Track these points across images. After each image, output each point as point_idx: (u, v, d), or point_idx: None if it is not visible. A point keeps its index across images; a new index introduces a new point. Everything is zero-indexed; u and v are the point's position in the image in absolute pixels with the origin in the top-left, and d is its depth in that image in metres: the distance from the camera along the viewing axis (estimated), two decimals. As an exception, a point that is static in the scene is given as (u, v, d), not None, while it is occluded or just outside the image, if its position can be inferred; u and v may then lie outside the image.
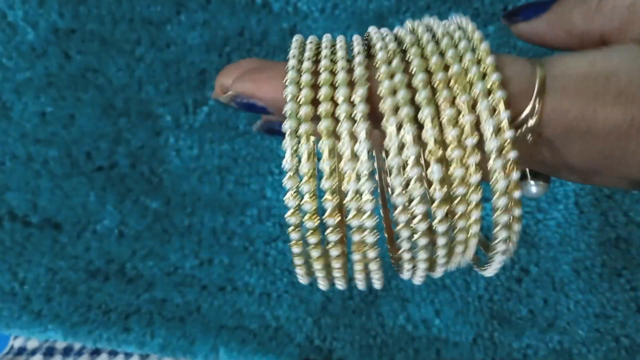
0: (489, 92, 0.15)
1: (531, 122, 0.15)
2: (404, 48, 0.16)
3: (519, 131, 0.15)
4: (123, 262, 0.39)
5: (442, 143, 0.15)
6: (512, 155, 0.15)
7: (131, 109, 0.40)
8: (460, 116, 0.15)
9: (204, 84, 0.40)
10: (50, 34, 0.40)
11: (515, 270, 0.39)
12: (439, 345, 0.38)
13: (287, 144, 0.15)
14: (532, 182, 0.19)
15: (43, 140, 0.40)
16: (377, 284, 0.17)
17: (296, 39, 0.17)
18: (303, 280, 0.18)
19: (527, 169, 0.20)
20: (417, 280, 0.18)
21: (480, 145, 0.15)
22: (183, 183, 0.40)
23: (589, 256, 0.39)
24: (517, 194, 0.15)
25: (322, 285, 0.18)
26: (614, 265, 0.38)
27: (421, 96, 0.15)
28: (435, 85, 0.15)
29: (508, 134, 0.15)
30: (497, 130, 0.15)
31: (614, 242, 0.39)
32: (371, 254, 0.16)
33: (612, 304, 0.38)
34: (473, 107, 0.15)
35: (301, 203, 0.15)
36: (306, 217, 0.15)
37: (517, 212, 0.16)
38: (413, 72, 0.15)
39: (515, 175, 0.15)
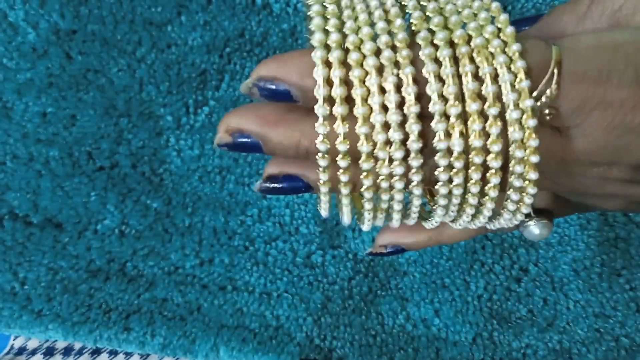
0: (510, 62, 0.15)
1: (550, 91, 0.15)
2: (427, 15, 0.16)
3: (539, 102, 0.15)
4: (124, 261, 0.39)
5: (464, 115, 0.15)
6: (532, 123, 0.15)
7: (132, 110, 0.40)
8: (483, 87, 0.15)
9: (204, 84, 0.40)
10: (51, 34, 0.40)
11: (514, 270, 0.39)
12: (439, 344, 0.38)
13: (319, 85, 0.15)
14: (534, 223, 0.20)
15: (44, 141, 0.40)
16: (395, 221, 0.17)
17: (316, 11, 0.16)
18: (323, 211, 0.18)
19: (531, 208, 0.20)
20: (461, 223, 0.18)
21: (502, 115, 0.15)
22: (184, 183, 0.40)
23: (589, 256, 0.39)
24: (534, 158, 0.16)
25: (345, 215, 0.18)
26: (613, 265, 0.38)
27: (445, 71, 0.15)
28: (459, 57, 0.15)
29: (528, 102, 0.15)
30: (517, 101, 0.15)
31: (613, 242, 0.39)
32: (398, 184, 0.16)
33: (611, 304, 0.38)
34: (495, 78, 0.15)
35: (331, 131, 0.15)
36: (338, 140, 0.15)
37: (532, 175, 0.16)
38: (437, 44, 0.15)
39: (534, 142, 0.15)
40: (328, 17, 0.16)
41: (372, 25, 0.15)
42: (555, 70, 0.15)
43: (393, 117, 0.15)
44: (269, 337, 0.38)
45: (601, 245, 0.39)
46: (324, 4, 0.16)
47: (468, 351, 0.38)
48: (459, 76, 0.15)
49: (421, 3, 0.16)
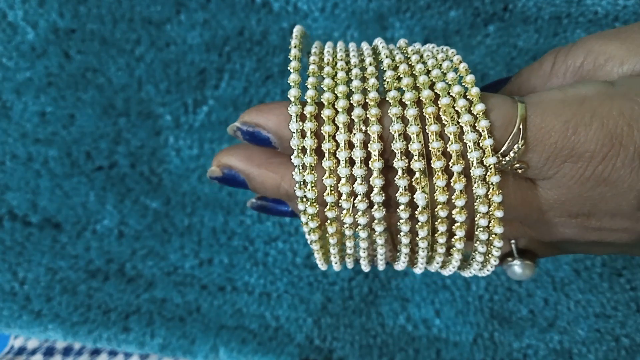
0: (475, 120, 0.16)
1: (517, 147, 0.16)
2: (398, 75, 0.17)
3: (508, 157, 0.16)
4: (123, 261, 0.39)
5: (429, 172, 0.16)
6: (495, 179, 0.16)
7: (131, 109, 0.40)
8: (448, 145, 0.16)
9: (204, 83, 0.40)
10: (50, 33, 0.40)
11: (515, 270, 0.39)
12: (439, 345, 0.38)
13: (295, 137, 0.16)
14: (517, 263, 0.20)
15: (43, 140, 0.40)
16: (381, 265, 0.18)
17: (293, 79, 0.17)
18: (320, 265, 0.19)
19: (514, 246, 0.20)
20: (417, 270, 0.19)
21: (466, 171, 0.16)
22: (183, 183, 0.40)
23: (589, 256, 0.38)
24: (498, 213, 0.16)
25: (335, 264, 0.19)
26: (614, 265, 0.38)
27: (411, 129, 0.16)
28: (426, 116, 0.16)
29: (491, 159, 0.16)
30: (481, 158, 0.16)
31: (614, 242, 0.39)
32: (378, 228, 0.17)
33: (612, 304, 0.38)
34: (460, 136, 0.16)
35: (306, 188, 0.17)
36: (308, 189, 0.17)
37: (497, 230, 0.17)
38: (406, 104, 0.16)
39: (497, 198, 0.16)
40: (307, 73, 0.17)
41: (349, 81, 0.16)
42: (521, 126, 0.16)
43: (357, 171, 0.16)
44: (269, 338, 0.38)
45: (602, 245, 0.39)
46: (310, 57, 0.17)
47: (469, 352, 0.38)
48: (426, 134, 0.16)
49: (395, 60, 0.17)
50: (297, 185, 0.17)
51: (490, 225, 0.17)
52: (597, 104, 0.16)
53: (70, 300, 0.38)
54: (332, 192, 0.16)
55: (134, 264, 0.39)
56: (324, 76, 0.17)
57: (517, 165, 0.16)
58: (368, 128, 0.16)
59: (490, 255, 0.18)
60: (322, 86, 0.17)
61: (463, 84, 0.16)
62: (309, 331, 0.38)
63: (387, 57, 0.17)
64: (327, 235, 0.18)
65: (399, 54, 0.17)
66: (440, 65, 0.17)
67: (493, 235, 0.17)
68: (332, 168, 0.16)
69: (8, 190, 0.39)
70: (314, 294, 0.39)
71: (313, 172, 0.16)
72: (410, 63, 0.17)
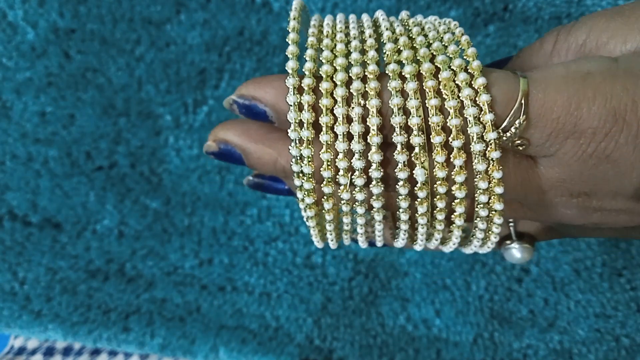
0: (476, 95, 0.16)
1: (519, 122, 0.15)
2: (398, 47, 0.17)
3: (509, 133, 0.16)
4: (123, 261, 0.39)
5: (429, 147, 0.16)
6: (495, 155, 0.16)
7: (131, 109, 0.40)
8: (448, 119, 0.16)
9: (204, 83, 0.40)
10: (50, 33, 0.40)
11: (515, 270, 0.39)
12: (440, 345, 0.38)
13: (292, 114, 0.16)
14: (516, 246, 0.20)
15: (43, 140, 0.40)
16: (379, 240, 0.18)
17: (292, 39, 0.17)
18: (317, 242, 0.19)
19: (512, 229, 0.20)
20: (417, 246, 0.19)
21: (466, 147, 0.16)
22: (183, 183, 0.40)
23: (589, 256, 0.38)
24: (498, 189, 0.16)
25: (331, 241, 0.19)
26: (614, 265, 0.38)
27: (410, 103, 0.16)
28: (426, 90, 0.16)
29: (492, 135, 0.15)
30: (482, 133, 0.16)
31: (614, 241, 0.39)
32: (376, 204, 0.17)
33: (612, 304, 0.38)
34: (460, 111, 0.16)
35: (303, 164, 0.16)
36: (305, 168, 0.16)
37: (497, 206, 0.17)
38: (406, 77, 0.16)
39: (497, 174, 0.16)
40: (306, 46, 0.16)
41: (348, 54, 0.16)
42: (523, 101, 0.15)
43: (356, 146, 0.16)
44: (269, 338, 0.38)
45: (602, 245, 0.39)
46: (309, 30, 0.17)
47: (469, 352, 0.37)
48: (426, 108, 0.16)
49: (396, 33, 0.17)
50: (293, 160, 0.16)
51: (490, 201, 0.16)
52: (601, 79, 0.15)
53: (70, 300, 0.38)
54: (329, 167, 0.16)
55: (134, 264, 0.39)
56: (323, 48, 0.16)
57: (518, 142, 0.16)
58: (367, 102, 0.16)
59: (490, 232, 0.17)
60: (320, 58, 0.16)
61: (465, 57, 0.16)
62: (309, 331, 0.38)
63: (387, 29, 0.17)
64: (323, 211, 0.17)
65: (399, 26, 0.17)
66: (442, 38, 0.16)
67: (493, 212, 0.17)
68: (329, 142, 0.16)
69: (8, 190, 0.39)
70: (314, 294, 0.39)
71: (310, 146, 0.16)
72: (410, 35, 0.16)
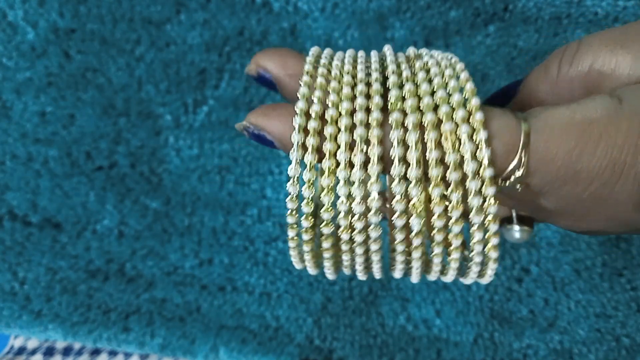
0: (477, 149, 0.16)
1: (518, 174, 0.16)
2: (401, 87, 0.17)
3: (508, 182, 0.16)
4: (123, 261, 0.39)
5: (427, 199, 0.16)
6: (493, 210, 0.16)
7: (131, 109, 0.40)
8: (448, 173, 0.16)
9: (204, 83, 0.40)
10: (50, 33, 0.40)
11: (515, 270, 0.39)
12: (440, 345, 0.38)
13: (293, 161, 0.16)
14: (516, 228, 0.21)
15: (43, 140, 0.40)
16: (377, 274, 0.18)
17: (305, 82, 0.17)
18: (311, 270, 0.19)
19: (514, 212, 0.21)
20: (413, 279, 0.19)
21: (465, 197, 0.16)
22: (183, 183, 0.40)
23: (590, 256, 0.38)
24: (494, 240, 0.17)
25: (328, 272, 0.19)
26: (615, 265, 0.38)
27: (411, 154, 0.16)
28: (426, 141, 0.16)
29: (490, 190, 0.16)
30: (480, 187, 0.16)
31: (615, 241, 0.39)
32: (374, 246, 0.17)
33: (612, 304, 0.38)
34: (461, 164, 0.16)
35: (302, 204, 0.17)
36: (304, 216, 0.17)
37: (493, 254, 0.17)
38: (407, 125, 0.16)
39: (494, 227, 0.16)
40: (315, 87, 0.17)
41: (354, 98, 0.16)
42: (524, 155, 0.16)
43: (356, 191, 0.16)
44: (269, 338, 0.38)
45: (602, 245, 0.39)
46: (318, 65, 0.18)
47: (469, 352, 0.37)
48: (426, 160, 0.16)
49: (402, 77, 0.17)
50: (290, 197, 0.17)
51: (486, 238, 0.17)
52: (604, 127, 0.16)
53: (70, 300, 0.38)
54: (329, 209, 0.16)
55: (134, 264, 0.39)
56: (330, 91, 0.17)
57: (517, 186, 0.16)
58: (369, 149, 0.16)
59: (488, 259, 0.18)
60: (327, 102, 0.17)
61: (466, 102, 0.16)
62: (309, 331, 0.38)
63: (393, 72, 0.17)
64: (320, 249, 0.18)
65: (406, 69, 0.17)
66: (447, 84, 0.17)
67: (488, 248, 0.17)
68: (330, 186, 0.16)
69: (8, 190, 0.39)
70: (314, 294, 0.39)
71: (310, 188, 0.16)
72: (415, 80, 0.17)
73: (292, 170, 0.16)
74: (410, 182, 0.16)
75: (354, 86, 0.17)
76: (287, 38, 0.40)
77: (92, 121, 0.40)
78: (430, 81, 0.17)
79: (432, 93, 0.16)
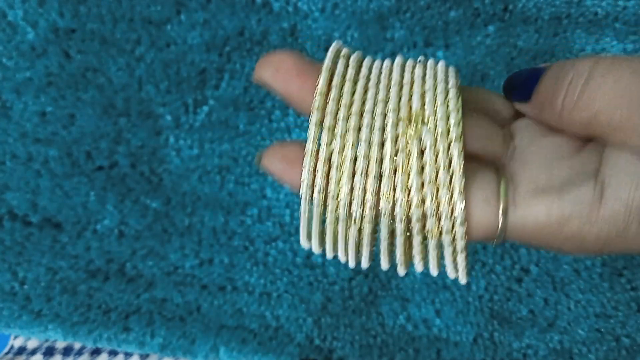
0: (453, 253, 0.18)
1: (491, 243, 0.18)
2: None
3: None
4: (123, 261, 0.39)
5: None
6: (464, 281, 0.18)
7: (131, 109, 0.40)
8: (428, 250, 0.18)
9: (204, 83, 0.40)
10: (50, 33, 0.40)
11: (515, 270, 0.39)
12: (440, 345, 0.38)
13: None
14: None
15: (43, 140, 0.40)
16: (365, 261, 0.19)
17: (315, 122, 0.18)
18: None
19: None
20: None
21: None
22: (183, 183, 0.40)
23: (589, 256, 0.38)
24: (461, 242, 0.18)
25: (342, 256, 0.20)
26: (615, 265, 0.38)
27: (398, 229, 0.18)
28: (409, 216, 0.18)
29: (460, 258, 0.18)
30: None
31: (615, 241, 0.39)
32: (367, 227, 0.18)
33: (612, 304, 0.38)
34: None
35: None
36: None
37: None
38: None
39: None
40: (317, 176, 0.18)
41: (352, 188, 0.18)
42: (498, 239, 0.18)
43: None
44: (269, 338, 0.38)
45: (602, 245, 0.39)
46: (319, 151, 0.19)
47: (469, 352, 0.37)
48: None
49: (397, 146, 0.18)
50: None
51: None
52: (577, 228, 0.17)
53: (70, 300, 0.38)
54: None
55: (134, 264, 0.39)
56: (335, 137, 0.18)
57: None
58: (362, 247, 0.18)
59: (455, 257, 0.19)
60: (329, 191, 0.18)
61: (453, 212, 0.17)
62: (309, 331, 0.38)
63: (391, 141, 0.18)
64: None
65: (402, 138, 0.18)
66: (436, 180, 0.18)
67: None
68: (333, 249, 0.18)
69: (8, 190, 0.39)
70: (314, 293, 0.39)
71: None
72: (408, 180, 0.18)
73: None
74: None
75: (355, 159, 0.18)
76: (287, 38, 0.40)
77: (92, 121, 0.40)
78: (422, 152, 0.18)
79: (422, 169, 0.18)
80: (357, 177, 0.18)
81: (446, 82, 0.19)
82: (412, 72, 0.19)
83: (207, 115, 0.40)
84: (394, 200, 0.17)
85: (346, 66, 0.19)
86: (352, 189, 0.18)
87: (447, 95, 0.18)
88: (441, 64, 0.19)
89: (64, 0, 0.40)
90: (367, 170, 0.17)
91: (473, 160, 0.18)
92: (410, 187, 0.17)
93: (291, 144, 0.19)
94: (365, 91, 0.18)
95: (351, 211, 0.18)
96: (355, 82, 0.19)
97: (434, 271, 0.19)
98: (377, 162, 0.18)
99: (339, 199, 0.18)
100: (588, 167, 0.17)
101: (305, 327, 0.38)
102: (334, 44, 0.19)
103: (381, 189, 0.18)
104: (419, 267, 0.18)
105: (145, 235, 0.39)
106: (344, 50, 0.20)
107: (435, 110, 0.18)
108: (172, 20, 0.40)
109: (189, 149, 0.40)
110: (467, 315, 0.38)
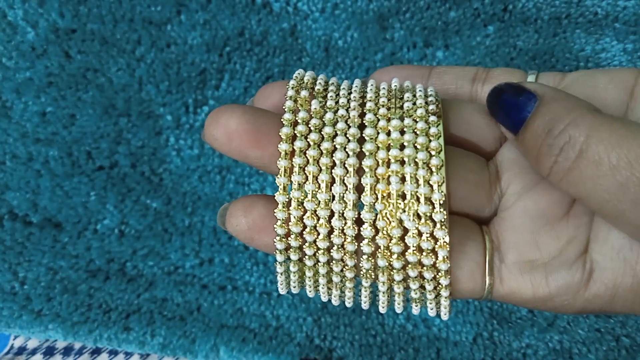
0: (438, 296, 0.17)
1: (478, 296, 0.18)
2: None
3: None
4: (123, 261, 0.39)
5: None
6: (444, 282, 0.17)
7: (132, 109, 0.40)
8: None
9: (204, 83, 0.40)
10: (50, 33, 0.40)
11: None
12: (439, 344, 0.38)
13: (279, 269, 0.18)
14: None
15: (43, 140, 0.40)
16: (348, 302, 0.19)
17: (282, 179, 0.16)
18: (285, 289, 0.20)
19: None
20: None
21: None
22: (183, 183, 0.40)
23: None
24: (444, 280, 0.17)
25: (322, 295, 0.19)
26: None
27: (380, 283, 0.17)
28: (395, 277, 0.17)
29: (443, 297, 0.17)
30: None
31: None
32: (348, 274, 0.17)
33: (612, 304, 0.38)
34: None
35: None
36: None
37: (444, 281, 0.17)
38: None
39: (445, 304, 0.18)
40: (291, 219, 0.17)
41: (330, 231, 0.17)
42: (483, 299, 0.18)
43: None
44: (269, 337, 0.38)
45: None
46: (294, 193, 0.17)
47: (469, 351, 0.38)
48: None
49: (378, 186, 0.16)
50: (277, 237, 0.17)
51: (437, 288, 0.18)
52: (559, 303, 0.17)
53: (70, 300, 0.38)
54: (312, 245, 0.17)
55: (135, 264, 0.39)
56: (309, 152, 0.16)
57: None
58: (348, 286, 0.17)
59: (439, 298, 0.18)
60: (305, 170, 0.16)
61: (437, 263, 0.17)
62: (309, 330, 0.38)
63: (370, 173, 0.16)
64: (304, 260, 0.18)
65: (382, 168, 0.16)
66: (419, 233, 0.16)
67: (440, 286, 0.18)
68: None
69: (8, 190, 0.39)
70: (314, 293, 0.39)
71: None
72: (395, 232, 0.16)
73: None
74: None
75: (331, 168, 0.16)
76: (287, 38, 0.40)
77: (92, 121, 0.40)
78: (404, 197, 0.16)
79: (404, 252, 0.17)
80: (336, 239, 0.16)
81: (428, 125, 0.16)
82: (387, 114, 0.17)
83: (207, 115, 0.40)
84: (375, 264, 0.16)
85: (307, 123, 0.16)
86: (328, 249, 0.16)
87: (429, 154, 0.16)
88: (420, 98, 0.17)
89: (64, 1, 0.40)
90: (343, 245, 0.16)
91: (456, 214, 0.18)
92: (393, 253, 0.16)
93: (255, 208, 0.17)
94: (333, 138, 0.16)
95: (330, 266, 0.17)
96: (320, 130, 0.16)
97: (415, 311, 0.18)
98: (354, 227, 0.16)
99: (317, 257, 0.17)
100: (577, 238, 0.17)
101: (305, 327, 0.38)
102: (289, 91, 0.17)
103: (361, 263, 0.16)
104: (399, 309, 0.18)
105: (146, 235, 0.39)
106: (306, 79, 0.17)
107: (416, 175, 0.16)
108: (173, 21, 0.40)
109: (190, 149, 0.40)
110: (467, 315, 0.38)
